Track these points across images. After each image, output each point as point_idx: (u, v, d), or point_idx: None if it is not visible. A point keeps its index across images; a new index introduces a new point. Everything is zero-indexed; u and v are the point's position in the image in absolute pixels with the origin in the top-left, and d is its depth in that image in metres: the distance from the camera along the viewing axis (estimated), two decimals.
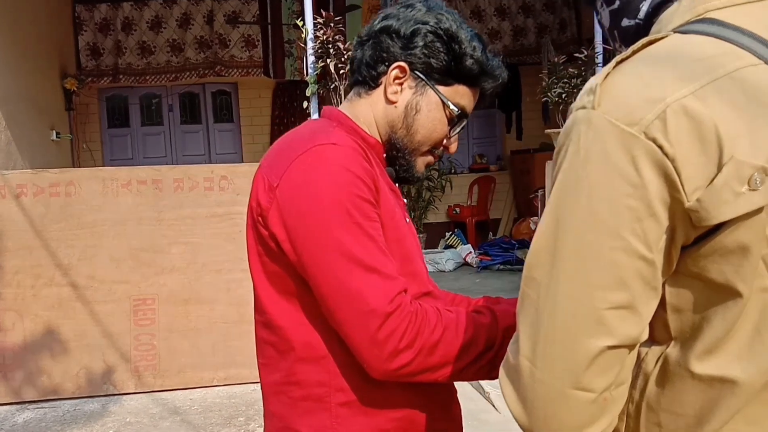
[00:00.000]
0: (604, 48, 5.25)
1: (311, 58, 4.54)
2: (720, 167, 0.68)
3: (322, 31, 4.35)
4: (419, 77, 1.21)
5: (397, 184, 1.30)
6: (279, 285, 1.15)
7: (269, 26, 7.96)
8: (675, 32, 0.77)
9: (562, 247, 0.73)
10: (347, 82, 4.47)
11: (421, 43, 1.19)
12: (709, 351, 0.74)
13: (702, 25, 0.76)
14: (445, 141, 1.27)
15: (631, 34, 0.89)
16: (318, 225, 1.07)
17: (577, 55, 5.10)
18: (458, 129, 1.26)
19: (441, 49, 1.19)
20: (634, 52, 0.75)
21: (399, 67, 1.20)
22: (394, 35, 1.20)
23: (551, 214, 0.75)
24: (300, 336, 1.14)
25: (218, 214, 4.29)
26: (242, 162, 8.00)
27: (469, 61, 1.20)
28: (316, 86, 4.54)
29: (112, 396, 4.09)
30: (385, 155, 1.27)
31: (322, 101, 4.69)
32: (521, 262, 6.88)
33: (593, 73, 5.07)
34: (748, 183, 0.67)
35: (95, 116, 8.43)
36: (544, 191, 5.36)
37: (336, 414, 1.13)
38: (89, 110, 8.29)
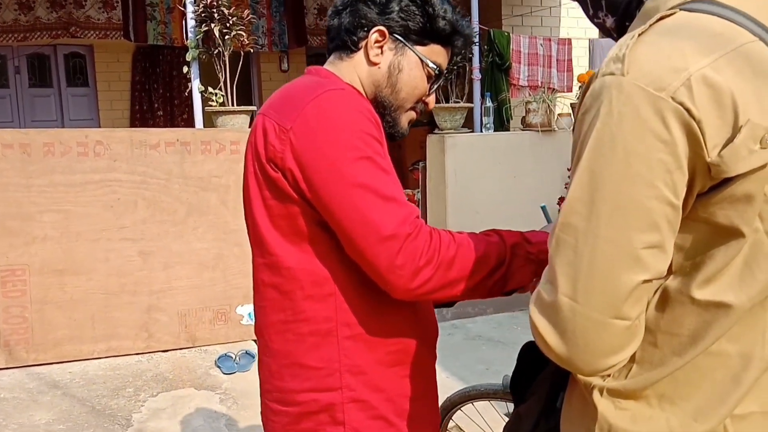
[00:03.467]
0: (480, 27, 5.52)
1: (191, 23, 4.42)
2: (737, 128, 0.79)
3: None
4: (398, 39, 1.31)
5: None
6: (286, 228, 1.22)
7: None
8: (681, 10, 0.87)
9: (600, 197, 0.83)
10: (232, 49, 4.40)
11: (396, 8, 1.30)
12: (708, 281, 0.87)
13: (703, 4, 0.87)
14: (424, 97, 1.38)
15: (621, 5, 1.00)
16: (334, 160, 1.15)
17: None
18: (436, 85, 1.38)
19: (416, 12, 1.30)
20: (650, 26, 0.86)
21: (379, 31, 1.30)
22: (369, 2, 1.31)
23: (586, 168, 0.84)
24: (307, 275, 1.22)
25: (94, 180, 4.10)
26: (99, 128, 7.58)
27: (441, 22, 1.31)
28: (197, 51, 4.43)
29: None
30: None
31: (203, 67, 4.58)
32: None
33: (472, 52, 5.32)
34: (760, 142, 0.79)
35: None
36: (425, 164, 5.53)
37: (343, 346, 1.23)
38: None
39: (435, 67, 1.34)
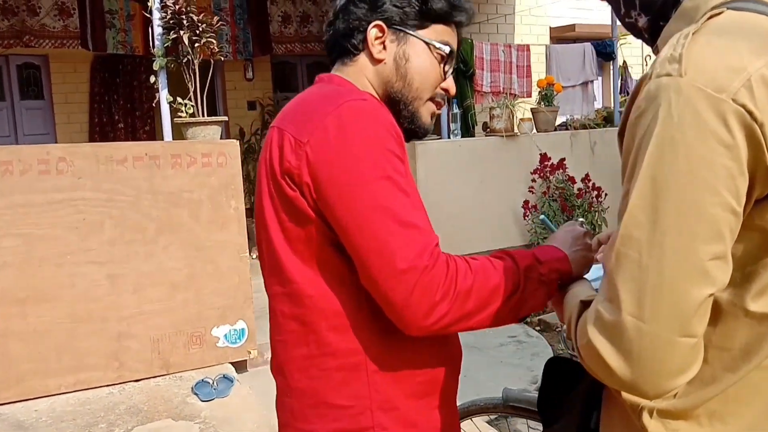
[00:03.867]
0: None
1: (158, 30, 4.17)
2: None
3: (172, 1, 4.00)
4: (397, 29, 1.25)
5: None
6: (305, 252, 1.13)
7: None
8: (728, 9, 0.85)
9: (664, 205, 0.78)
10: (201, 57, 4.17)
11: None
12: (762, 291, 0.85)
13: (749, 3, 0.85)
14: (441, 84, 1.29)
15: (656, 5, 0.96)
16: (353, 179, 1.05)
17: None
18: (451, 67, 1.29)
19: None
20: (702, 24, 0.83)
21: (377, 26, 1.24)
22: (358, 1, 1.25)
23: (647, 175, 0.80)
24: (331, 304, 1.13)
25: (57, 200, 3.81)
26: (56, 143, 7.24)
27: (437, 1, 1.24)
28: (165, 60, 4.18)
29: None
30: None
31: (171, 76, 4.34)
32: None
33: None
34: None
35: None
36: None
37: (372, 381, 1.14)
38: None
39: (442, 46, 1.26)
